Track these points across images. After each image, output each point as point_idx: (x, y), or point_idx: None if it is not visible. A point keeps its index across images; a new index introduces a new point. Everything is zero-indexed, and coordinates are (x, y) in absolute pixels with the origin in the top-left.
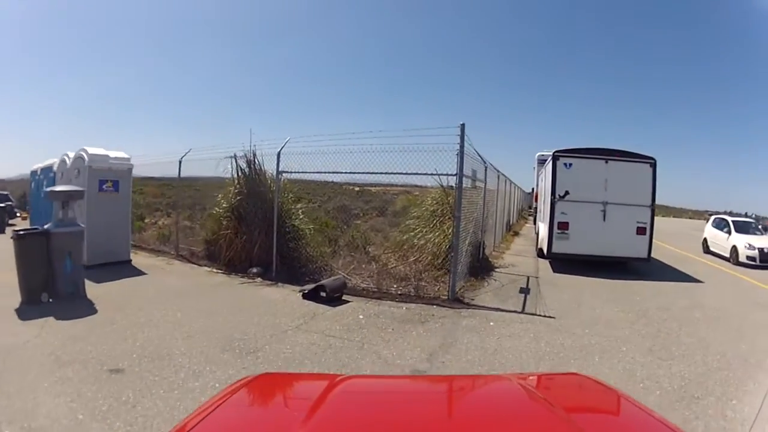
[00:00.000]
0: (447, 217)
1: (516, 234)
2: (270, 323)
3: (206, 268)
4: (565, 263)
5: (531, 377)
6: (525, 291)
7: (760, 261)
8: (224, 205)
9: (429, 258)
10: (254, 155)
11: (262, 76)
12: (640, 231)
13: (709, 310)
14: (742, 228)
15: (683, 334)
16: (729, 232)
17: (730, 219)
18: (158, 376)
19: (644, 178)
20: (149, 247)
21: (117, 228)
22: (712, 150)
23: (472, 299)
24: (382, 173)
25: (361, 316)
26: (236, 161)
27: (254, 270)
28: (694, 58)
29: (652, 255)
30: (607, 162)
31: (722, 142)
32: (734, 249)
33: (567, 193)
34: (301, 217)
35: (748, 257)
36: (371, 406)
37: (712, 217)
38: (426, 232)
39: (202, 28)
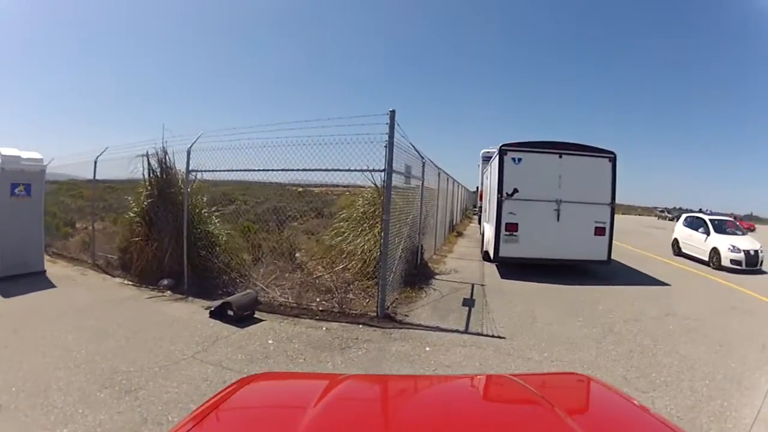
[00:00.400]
0: (379, 220)
1: (460, 235)
2: (164, 350)
3: (118, 280)
4: (515, 267)
5: (531, 377)
6: (469, 303)
7: (747, 265)
8: (135, 209)
9: (359, 266)
10: (165, 153)
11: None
12: (599, 231)
13: (684, 319)
14: (721, 228)
15: (660, 352)
16: (707, 233)
17: (707, 218)
18: (30, 418)
19: (602, 173)
20: (70, 256)
21: (29, 236)
22: (659, 147)
23: (407, 315)
24: (300, 170)
25: (270, 341)
26: (148, 160)
27: (165, 282)
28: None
29: (611, 256)
30: (561, 156)
31: (668, 140)
32: (715, 252)
33: (516, 190)
34: (216, 221)
35: (732, 261)
36: (371, 405)
37: (684, 216)
38: (355, 236)
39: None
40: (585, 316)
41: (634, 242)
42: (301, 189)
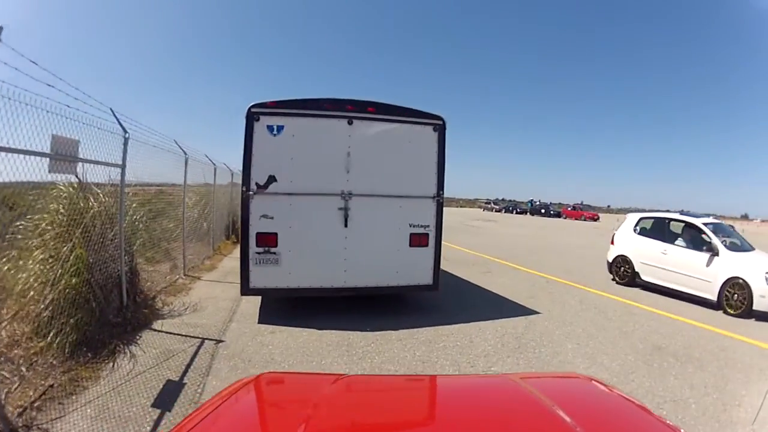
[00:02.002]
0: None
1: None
2: None
3: None
4: (285, 300)
5: (531, 377)
6: (169, 397)
7: None
8: None
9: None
10: None
11: None
12: (418, 240)
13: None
14: (732, 240)
15: None
16: (710, 250)
17: (701, 222)
18: None
19: (423, 150)
20: None
21: None
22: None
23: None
24: None
25: None
26: None
27: None
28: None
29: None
30: (350, 122)
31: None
32: (737, 286)
33: (272, 179)
34: None
35: None
36: (371, 405)
37: (638, 216)
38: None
39: None
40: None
41: (468, 241)
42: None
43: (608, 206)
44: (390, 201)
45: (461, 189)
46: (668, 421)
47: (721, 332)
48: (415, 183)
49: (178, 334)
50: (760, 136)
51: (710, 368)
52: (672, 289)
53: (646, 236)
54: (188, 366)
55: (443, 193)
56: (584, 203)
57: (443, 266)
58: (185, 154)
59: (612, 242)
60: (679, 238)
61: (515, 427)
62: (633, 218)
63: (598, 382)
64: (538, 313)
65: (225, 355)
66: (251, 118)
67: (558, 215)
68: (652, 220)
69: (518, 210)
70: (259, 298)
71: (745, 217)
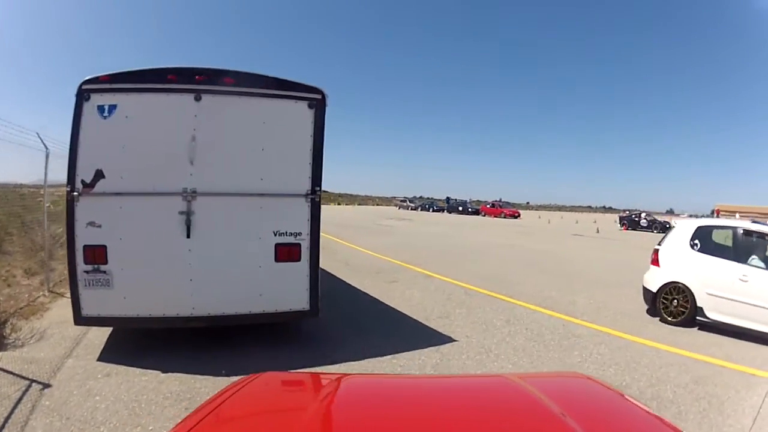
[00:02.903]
0: None
1: None
2: None
3: None
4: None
5: (531, 377)
6: None
7: None
8: None
9: None
10: None
11: None
12: (286, 252)
13: None
14: None
15: None
16: None
17: None
18: None
19: (294, 132)
20: None
21: None
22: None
23: None
24: None
25: None
26: None
27: None
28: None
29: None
30: (198, 98)
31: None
32: None
33: (101, 175)
34: None
35: None
36: (371, 405)
37: (695, 224)
38: None
39: None
40: None
41: (376, 242)
42: None
43: (527, 203)
44: (247, 201)
45: (380, 188)
46: (668, 421)
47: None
48: (281, 177)
49: (11, 373)
50: (680, 133)
51: None
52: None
53: (711, 254)
54: (6, 420)
55: (320, 190)
56: (503, 200)
57: (343, 275)
58: (46, 148)
59: (655, 261)
60: (754, 257)
61: (515, 426)
62: (687, 227)
63: (597, 382)
64: (454, 341)
65: (45, 408)
66: (80, 96)
67: (476, 212)
68: (722, 229)
69: (435, 208)
70: None
71: (670, 212)
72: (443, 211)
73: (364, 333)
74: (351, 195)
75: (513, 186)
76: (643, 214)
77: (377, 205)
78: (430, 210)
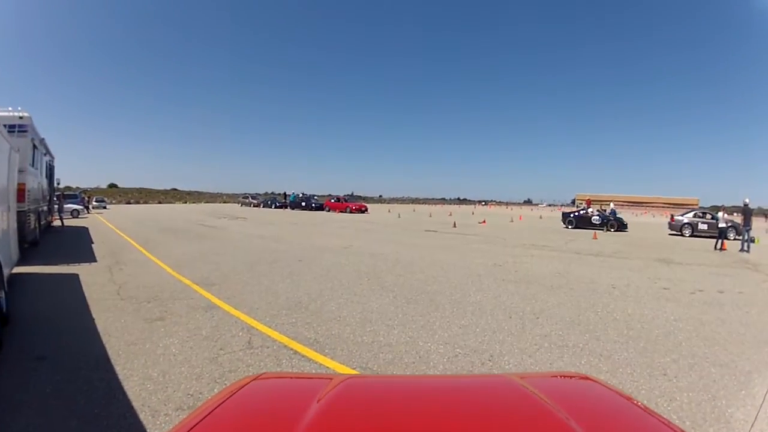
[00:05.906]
0: None
1: None
2: None
3: None
4: None
5: (531, 376)
6: None
7: None
8: None
9: None
10: None
11: None
12: None
13: None
14: None
15: None
16: None
17: None
18: None
19: None
20: None
21: None
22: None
23: None
24: None
25: None
26: None
27: None
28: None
29: None
30: None
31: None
32: None
33: None
34: None
35: None
36: (372, 405)
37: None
38: None
39: None
40: None
41: (181, 251)
42: None
43: (380, 196)
44: None
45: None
46: (669, 421)
47: None
48: None
49: None
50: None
51: None
52: None
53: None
54: None
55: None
56: (354, 194)
57: (99, 307)
58: None
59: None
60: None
61: (515, 426)
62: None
63: (598, 381)
64: None
65: None
66: None
67: (320, 208)
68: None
69: (277, 204)
70: None
71: (528, 202)
72: (286, 208)
73: None
74: (199, 192)
75: (365, 180)
76: (591, 210)
77: (225, 202)
78: (273, 206)
